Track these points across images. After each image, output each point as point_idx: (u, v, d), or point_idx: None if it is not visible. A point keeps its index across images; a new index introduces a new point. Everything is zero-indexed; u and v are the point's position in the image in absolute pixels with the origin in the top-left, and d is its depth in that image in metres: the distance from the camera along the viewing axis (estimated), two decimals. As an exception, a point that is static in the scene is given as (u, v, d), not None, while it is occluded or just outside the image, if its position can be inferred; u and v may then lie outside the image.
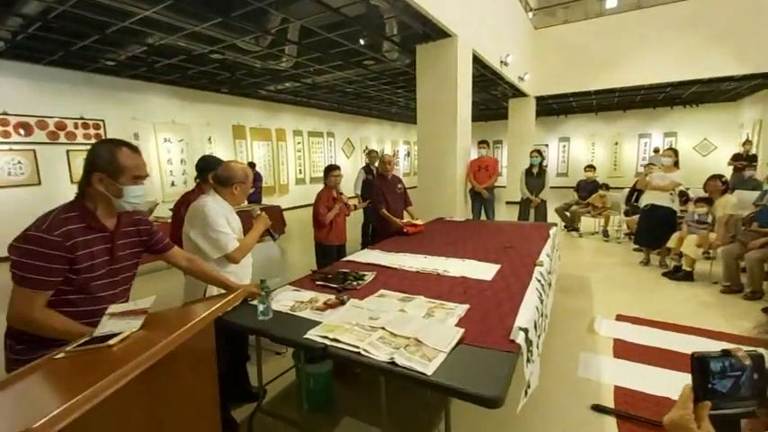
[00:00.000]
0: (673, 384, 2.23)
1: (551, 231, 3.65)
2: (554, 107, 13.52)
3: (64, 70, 6.19)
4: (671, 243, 4.42)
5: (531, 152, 5.89)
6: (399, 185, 4.13)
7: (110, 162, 1.36)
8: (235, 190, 2.00)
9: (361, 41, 5.47)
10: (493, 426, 2.04)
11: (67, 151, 6.32)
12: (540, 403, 2.20)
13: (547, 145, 15.67)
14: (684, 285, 4.13)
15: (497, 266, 2.55)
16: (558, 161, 15.73)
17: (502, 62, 7.40)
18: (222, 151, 8.73)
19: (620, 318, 3.28)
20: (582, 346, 2.82)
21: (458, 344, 1.50)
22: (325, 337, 1.57)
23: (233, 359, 2.15)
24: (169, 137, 7.66)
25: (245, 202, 2.19)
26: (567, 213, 7.21)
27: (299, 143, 11.33)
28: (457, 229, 3.95)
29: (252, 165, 7.95)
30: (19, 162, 5.82)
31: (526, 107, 10.67)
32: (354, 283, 2.23)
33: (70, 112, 6.31)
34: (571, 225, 7.12)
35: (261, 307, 1.76)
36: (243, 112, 9.44)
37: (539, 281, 2.29)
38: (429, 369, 1.33)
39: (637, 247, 5.41)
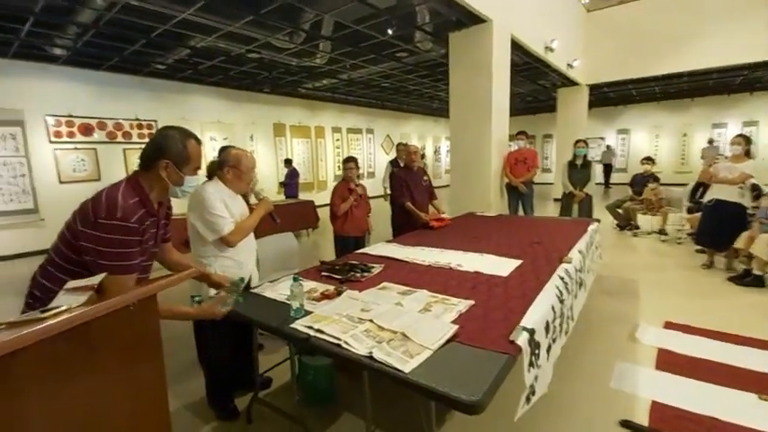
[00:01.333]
0: (725, 404, 1.90)
1: (590, 227, 3.32)
2: (611, 96, 12.47)
3: (120, 75, 6.74)
4: (739, 243, 3.84)
5: (576, 142, 5.44)
6: (425, 178, 3.99)
7: (180, 152, 1.39)
8: (227, 174, 2.00)
9: (390, 32, 5.36)
10: (502, 435, 1.86)
11: (124, 150, 6.90)
12: (563, 414, 1.99)
13: (603, 138, 14.54)
14: (753, 292, 3.57)
15: (518, 262, 2.34)
16: (618, 155, 14.51)
17: (547, 48, 6.92)
18: (263, 149, 9.06)
19: (669, 325, 2.90)
20: (619, 355, 2.51)
21: (448, 341, 1.37)
22: (311, 328, 1.50)
23: (237, 348, 2.16)
24: (215, 135, 8.09)
25: (254, 189, 2.16)
26: (620, 211, 6.59)
27: (337, 140, 11.48)
28: (485, 224, 3.73)
29: (288, 161, 8.17)
30: (82, 160, 6.45)
31: (577, 97, 9.93)
32: (359, 274, 2.14)
33: (126, 113, 6.87)
34: (626, 223, 6.51)
35: (229, 299, 1.65)
36: (283, 110, 9.73)
37: (561, 278, 2.06)
38: (407, 366, 1.21)
39: (699, 248, 4.80)
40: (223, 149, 2.64)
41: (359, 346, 1.35)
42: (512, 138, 5.59)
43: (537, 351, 1.49)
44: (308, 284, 2.02)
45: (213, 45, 5.52)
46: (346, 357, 1.32)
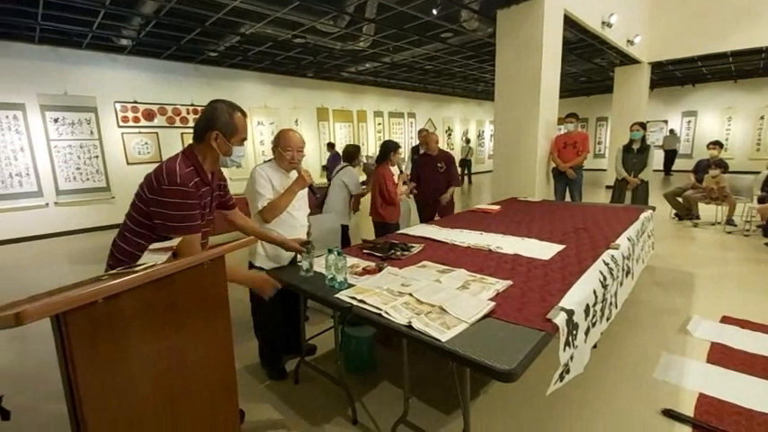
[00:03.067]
0: (783, 402, 1.80)
1: (643, 215, 3.15)
2: (677, 75, 11.41)
3: (177, 63, 7.19)
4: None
5: (632, 125, 5.10)
6: (440, 164, 4.03)
7: (228, 123, 1.51)
8: (275, 152, 2.12)
9: (435, 12, 5.25)
10: (548, 414, 1.89)
11: (181, 134, 7.40)
12: (601, 398, 1.97)
13: (665, 121, 13.41)
14: (833, 290, 3.24)
15: (560, 247, 2.30)
16: (681, 140, 13.34)
17: (604, 24, 6.45)
18: (308, 133, 9.31)
19: (726, 320, 2.72)
20: (666, 347, 2.42)
21: (484, 317, 1.41)
22: (353, 298, 1.60)
23: (287, 316, 2.33)
24: (262, 120, 8.44)
25: (298, 167, 2.26)
26: (679, 199, 6.14)
27: (379, 124, 11.52)
28: (527, 209, 3.65)
29: (331, 145, 8.36)
30: (146, 143, 7.02)
31: (637, 76, 9.19)
32: (399, 253, 2.22)
33: (183, 99, 7.34)
34: (686, 213, 6.06)
35: (305, 264, 1.89)
36: (327, 94, 9.90)
37: (606, 264, 2.01)
38: (444, 336, 1.28)
39: (770, 240, 4.39)
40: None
41: (399, 316, 1.43)
42: (560, 121, 5.35)
43: (574, 332, 1.50)
44: (351, 260, 2.13)
45: (262, 31, 5.71)
46: (387, 326, 1.41)
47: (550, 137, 5.23)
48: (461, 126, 15.04)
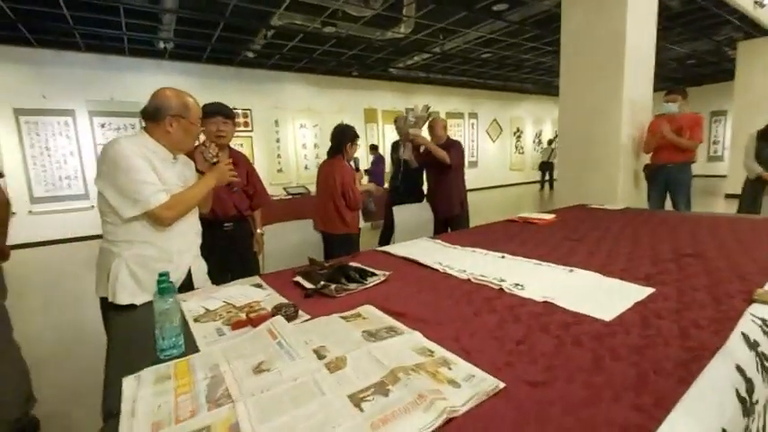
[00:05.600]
0: None
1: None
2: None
3: (217, 66, 7.12)
4: None
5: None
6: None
7: None
8: (168, 125, 1.38)
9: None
10: None
11: (221, 137, 7.30)
12: None
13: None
14: None
15: (645, 291, 1.21)
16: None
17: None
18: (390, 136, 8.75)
19: None
20: None
21: None
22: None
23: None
24: (305, 122, 8.07)
25: (204, 150, 1.55)
26: None
27: (445, 125, 10.54)
28: (598, 221, 2.46)
29: (374, 147, 7.64)
30: (186, 147, 7.01)
31: (770, 50, 7.00)
32: (336, 287, 1.32)
33: (225, 103, 7.22)
34: None
35: (165, 325, 0.92)
36: (375, 94, 9.26)
37: (753, 344, 0.89)
38: None
39: None
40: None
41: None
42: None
43: None
44: (249, 296, 1.29)
45: (289, 23, 5.25)
46: None
47: (642, 123, 3.84)
48: (534, 127, 13.35)
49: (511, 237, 2.09)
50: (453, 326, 1.03)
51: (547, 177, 11.18)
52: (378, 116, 9.36)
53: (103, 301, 1.31)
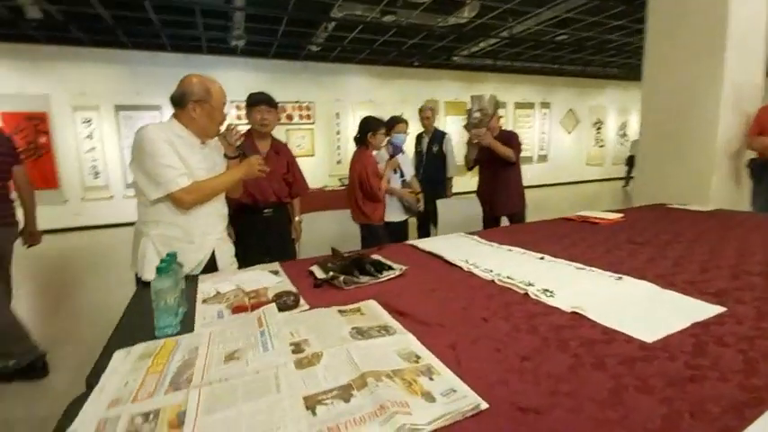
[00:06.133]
0: None
1: None
2: None
3: (285, 61, 7.44)
4: None
5: None
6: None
7: None
8: (192, 110, 1.44)
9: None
10: None
11: (287, 130, 7.65)
12: None
13: None
14: None
15: (713, 310, 0.98)
16: None
17: None
18: (413, 127, 8.60)
19: None
20: None
21: None
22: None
23: None
24: (365, 115, 8.13)
25: (229, 137, 1.59)
26: None
27: (501, 117, 9.96)
28: (674, 224, 2.10)
29: (433, 138, 7.44)
30: (254, 139, 7.48)
31: None
32: (344, 279, 1.27)
33: (289, 96, 7.57)
34: None
35: (160, 304, 0.93)
36: (437, 85, 9.00)
37: None
38: None
39: None
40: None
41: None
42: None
43: None
44: (262, 281, 1.30)
45: (349, 14, 5.28)
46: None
47: (747, 111, 3.19)
48: (619, 117, 11.98)
49: (560, 236, 1.86)
50: (456, 331, 0.92)
51: (633, 173, 10.00)
52: (440, 107, 9.10)
53: (136, 277, 1.42)
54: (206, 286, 1.27)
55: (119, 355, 0.83)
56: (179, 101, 1.44)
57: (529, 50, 7.84)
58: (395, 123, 2.95)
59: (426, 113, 3.53)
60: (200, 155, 1.48)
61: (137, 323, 1.02)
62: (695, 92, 3.18)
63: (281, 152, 2.27)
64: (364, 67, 8.19)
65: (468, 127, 2.97)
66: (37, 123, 6.10)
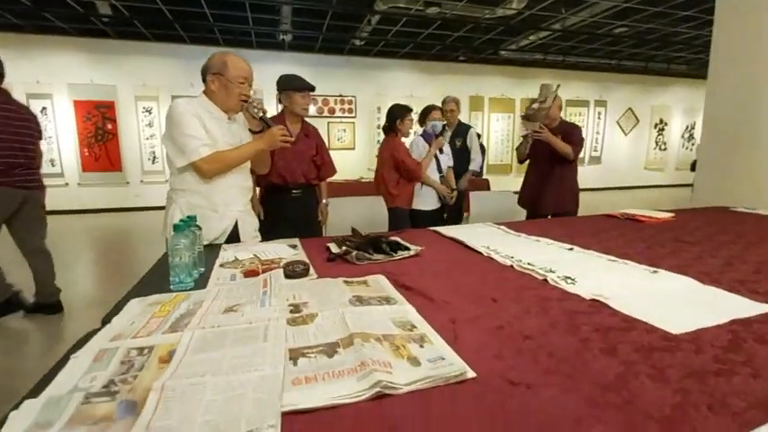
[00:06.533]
0: None
1: None
2: None
3: (327, 56, 7.57)
4: None
5: None
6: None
7: None
8: (212, 84, 1.50)
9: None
10: None
11: (328, 123, 7.79)
12: None
13: None
14: None
15: (758, 308, 0.87)
16: None
17: None
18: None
19: None
20: None
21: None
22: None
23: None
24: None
25: (253, 110, 1.59)
26: None
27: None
28: (736, 225, 1.90)
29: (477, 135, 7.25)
30: (296, 131, 7.69)
31: None
32: (356, 254, 1.26)
33: (332, 90, 7.70)
34: None
35: (175, 260, 0.97)
36: (482, 80, 8.73)
37: None
38: None
39: None
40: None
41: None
42: None
43: None
44: (279, 252, 1.32)
45: (392, 7, 5.27)
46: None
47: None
48: (684, 119, 10.98)
49: (596, 231, 1.74)
50: (460, 308, 0.88)
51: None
52: (484, 104, 8.83)
53: (166, 241, 1.50)
54: (227, 254, 1.32)
55: (133, 302, 0.89)
56: (203, 75, 1.51)
57: (583, 44, 7.40)
58: (430, 111, 2.93)
59: (450, 106, 3.42)
60: (226, 129, 1.53)
61: (157, 281, 1.08)
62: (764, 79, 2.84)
63: (310, 135, 2.31)
64: (407, 62, 8.14)
65: (524, 117, 2.79)
66: (105, 111, 6.69)
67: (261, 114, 1.55)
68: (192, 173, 1.45)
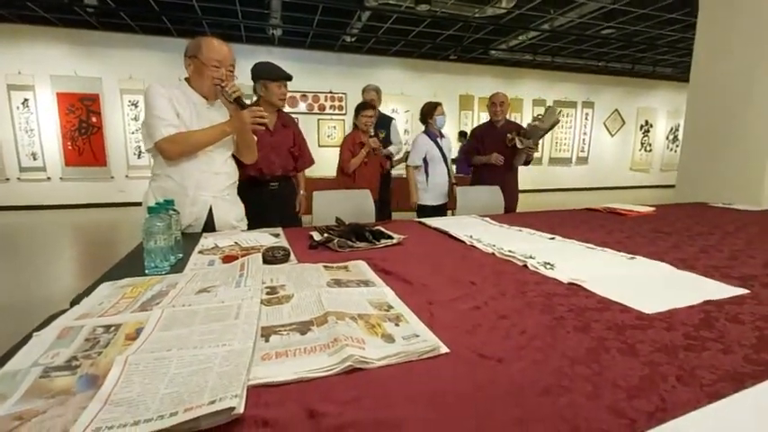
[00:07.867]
0: None
1: None
2: None
3: (320, 52, 7.52)
4: None
5: None
6: (510, 134, 3.11)
7: None
8: (188, 67, 1.48)
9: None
10: None
11: (318, 120, 7.75)
12: None
13: None
14: None
15: (733, 291, 0.89)
16: None
17: None
18: (447, 122, 8.48)
19: None
20: None
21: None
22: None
23: None
24: (397, 107, 8.08)
25: (228, 91, 1.53)
26: None
27: (539, 115, 9.59)
28: (714, 218, 1.94)
29: (463, 134, 7.29)
30: (286, 127, 7.64)
31: None
32: (338, 241, 1.26)
33: (323, 87, 7.66)
34: None
35: (150, 243, 0.97)
36: (473, 80, 8.78)
37: None
38: None
39: None
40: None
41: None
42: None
43: None
44: (261, 240, 1.31)
45: (383, 4, 5.26)
46: None
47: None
48: (669, 121, 11.19)
49: (578, 223, 1.76)
50: (439, 291, 0.87)
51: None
52: (474, 103, 8.89)
53: None
54: (207, 241, 1.30)
55: (104, 285, 0.86)
56: (184, 60, 1.48)
57: (571, 45, 7.49)
58: (434, 107, 3.02)
59: (370, 95, 3.59)
60: (204, 115, 1.50)
61: (133, 265, 1.05)
62: (751, 82, 2.91)
63: (288, 125, 2.26)
64: (398, 60, 8.14)
65: (521, 134, 3.04)
66: (90, 104, 6.54)
67: (235, 96, 1.46)
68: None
